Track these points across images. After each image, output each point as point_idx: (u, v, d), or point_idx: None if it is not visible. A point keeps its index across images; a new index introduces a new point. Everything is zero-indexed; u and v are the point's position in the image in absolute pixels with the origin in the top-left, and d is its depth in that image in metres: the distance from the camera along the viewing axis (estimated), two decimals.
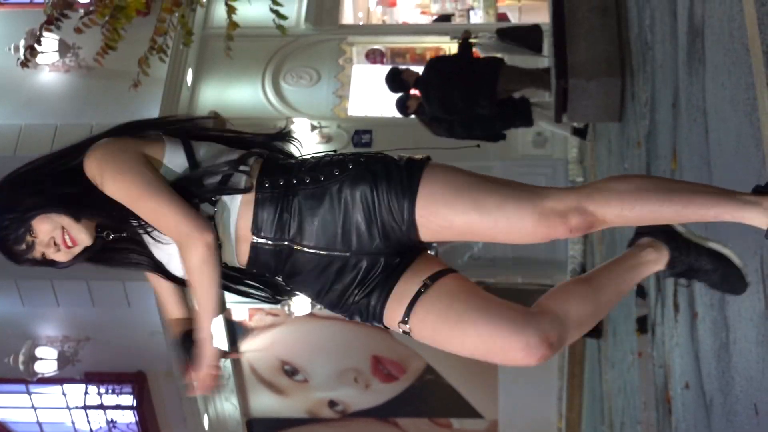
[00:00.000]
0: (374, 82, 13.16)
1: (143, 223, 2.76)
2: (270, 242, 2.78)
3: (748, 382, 3.83)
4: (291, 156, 2.94)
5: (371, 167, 2.77)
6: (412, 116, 9.89)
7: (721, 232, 4.23)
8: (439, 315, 2.77)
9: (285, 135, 2.99)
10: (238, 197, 2.77)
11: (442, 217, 2.72)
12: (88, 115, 11.42)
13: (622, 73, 7.53)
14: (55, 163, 2.84)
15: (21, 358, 12.18)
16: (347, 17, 15.18)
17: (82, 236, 2.79)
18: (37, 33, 7.20)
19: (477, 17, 16.68)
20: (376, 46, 13.90)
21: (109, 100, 11.43)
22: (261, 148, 2.90)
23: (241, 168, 2.77)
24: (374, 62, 13.78)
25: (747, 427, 3.85)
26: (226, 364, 11.84)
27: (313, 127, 12.54)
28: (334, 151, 2.89)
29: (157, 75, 10.65)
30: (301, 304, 12.27)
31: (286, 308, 12.31)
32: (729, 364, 4.10)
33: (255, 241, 2.78)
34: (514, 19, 16.44)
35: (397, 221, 2.75)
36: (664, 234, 3.01)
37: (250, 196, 2.76)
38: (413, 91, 9.74)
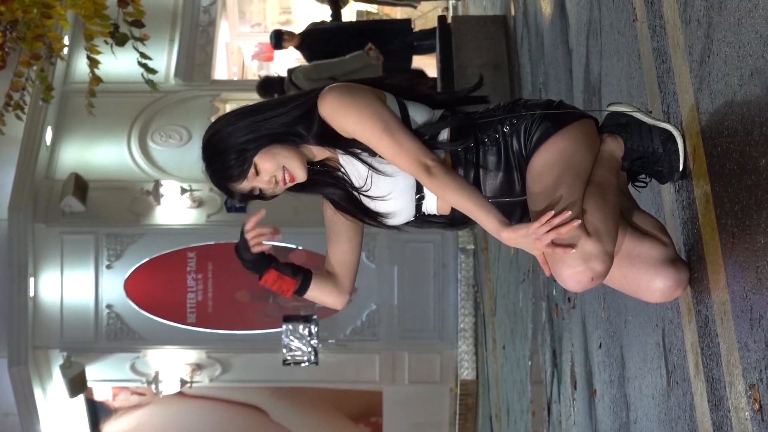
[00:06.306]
0: None
1: (367, 153, 3.08)
2: None
3: None
4: (471, 113, 3.25)
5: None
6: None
7: (621, 306, 4.25)
8: None
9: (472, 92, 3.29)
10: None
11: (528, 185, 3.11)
12: None
13: None
14: (282, 107, 3.17)
15: None
16: (220, 72, 15.05)
17: (300, 173, 3.08)
18: None
19: None
20: (251, 103, 13.49)
21: None
22: (454, 107, 3.23)
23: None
24: None
25: None
26: None
27: (184, 190, 12.19)
28: (500, 104, 3.25)
29: (13, 134, 10.40)
30: (169, 382, 11.87)
31: (153, 387, 11.83)
32: None
33: None
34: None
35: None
36: (617, 125, 3.20)
37: (446, 156, 3.14)
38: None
